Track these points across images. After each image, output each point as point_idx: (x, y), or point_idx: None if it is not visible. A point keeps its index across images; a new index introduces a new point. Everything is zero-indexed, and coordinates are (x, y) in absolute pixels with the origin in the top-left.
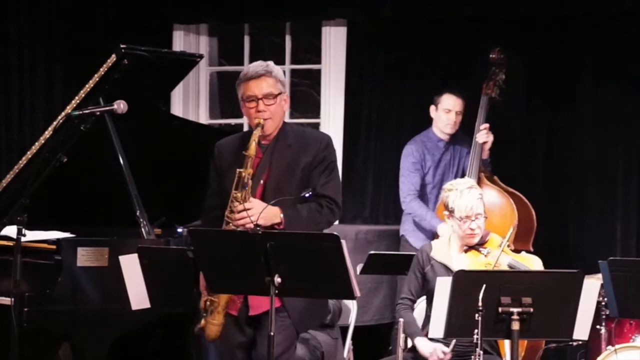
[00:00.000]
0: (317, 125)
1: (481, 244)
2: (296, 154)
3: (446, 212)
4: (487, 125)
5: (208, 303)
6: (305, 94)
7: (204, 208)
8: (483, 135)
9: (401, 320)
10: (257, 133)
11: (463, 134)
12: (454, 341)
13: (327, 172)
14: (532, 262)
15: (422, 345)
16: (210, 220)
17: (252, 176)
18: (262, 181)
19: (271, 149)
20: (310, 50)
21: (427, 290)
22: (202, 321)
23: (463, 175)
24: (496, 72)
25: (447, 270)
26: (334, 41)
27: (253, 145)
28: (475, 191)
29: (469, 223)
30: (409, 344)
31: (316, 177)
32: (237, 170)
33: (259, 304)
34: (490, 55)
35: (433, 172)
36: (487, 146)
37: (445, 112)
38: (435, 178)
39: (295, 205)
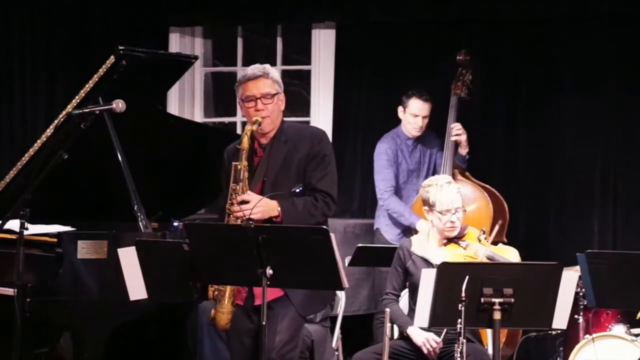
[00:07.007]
0: (307, 123)
1: (459, 237)
2: (291, 149)
3: (426, 208)
4: (458, 124)
5: (216, 292)
6: (295, 94)
7: (219, 210)
8: (455, 134)
9: (387, 310)
10: (249, 128)
11: (433, 131)
12: (445, 330)
13: (322, 166)
14: (509, 254)
15: (415, 334)
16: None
17: (247, 169)
18: (262, 178)
19: (269, 146)
20: (300, 51)
21: (410, 284)
22: (212, 311)
23: (435, 172)
24: (463, 73)
25: (428, 264)
26: (324, 43)
27: (245, 139)
28: (454, 186)
29: (449, 216)
30: (395, 333)
31: (311, 171)
32: (233, 163)
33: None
34: (457, 57)
35: (405, 169)
36: (463, 143)
37: (413, 117)
38: (406, 175)
39: (292, 199)
